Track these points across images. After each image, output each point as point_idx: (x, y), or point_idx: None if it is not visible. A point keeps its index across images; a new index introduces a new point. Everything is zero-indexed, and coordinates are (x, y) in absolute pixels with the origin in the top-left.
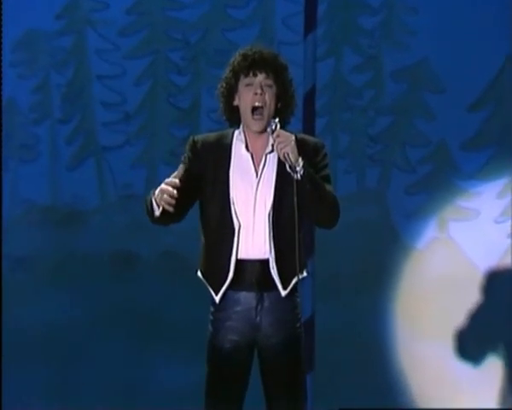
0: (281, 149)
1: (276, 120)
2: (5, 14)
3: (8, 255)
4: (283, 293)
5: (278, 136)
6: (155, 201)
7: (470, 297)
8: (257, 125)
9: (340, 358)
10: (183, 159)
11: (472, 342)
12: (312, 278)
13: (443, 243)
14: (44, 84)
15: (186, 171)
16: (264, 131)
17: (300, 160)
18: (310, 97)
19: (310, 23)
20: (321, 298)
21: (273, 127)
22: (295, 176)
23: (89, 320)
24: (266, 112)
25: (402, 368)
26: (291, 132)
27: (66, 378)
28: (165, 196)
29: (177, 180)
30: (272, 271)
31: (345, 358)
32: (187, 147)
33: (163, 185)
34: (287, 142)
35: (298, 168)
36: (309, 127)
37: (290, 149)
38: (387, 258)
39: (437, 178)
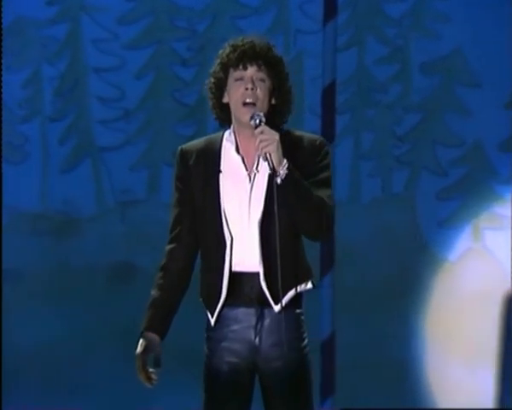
0: (262, 149)
1: (261, 113)
2: None
3: None
4: (276, 308)
5: (262, 132)
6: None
7: None
8: (248, 115)
9: (363, 381)
10: (175, 184)
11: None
12: (332, 292)
13: (477, 254)
14: (35, 78)
15: (182, 196)
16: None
17: (285, 162)
18: (329, 92)
19: (330, 9)
20: (342, 315)
21: (257, 121)
22: (276, 179)
23: (83, 339)
24: (259, 108)
25: (432, 393)
26: (300, 130)
27: (58, 401)
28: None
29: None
30: (263, 284)
31: (369, 381)
32: (177, 160)
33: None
34: (270, 140)
35: (281, 172)
36: (328, 125)
37: (273, 149)
38: (416, 271)
39: (471, 181)
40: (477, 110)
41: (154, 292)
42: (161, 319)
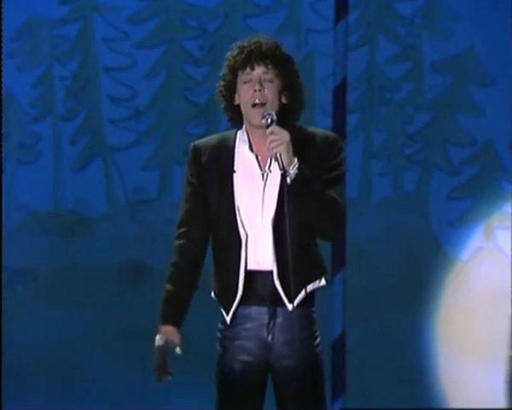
0: (273, 149)
1: (273, 112)
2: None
3: (6, 267)
4: (290, 307)
5: (272, 132)
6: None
7: None
8: (258, 117)
9: (374, 380)
10: (187, 179)
11: None
12: (343, 291)
13: (490, 254)
14: (46, 77)
15: (194, 192)
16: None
17: (296, 161)
18: (340, 91)
19: (341, 8)
20: (352, 314)
21: (268, 121)
22: (287, 179)
23: (94, 338)
24: (269, 109)
25: (445, 394)
26: (313, 127)
27: (68, 402)
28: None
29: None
30: (276, 283)
31: (379, 380)
32: (189, 156)
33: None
34: (281, 140)
35: (291, 171)
36: (339, 124)
37: (283, 149)
38: (428, 270)
39: (483, 181)
40: (489, 109)
41: (167, 287)
42: (177, 312)
